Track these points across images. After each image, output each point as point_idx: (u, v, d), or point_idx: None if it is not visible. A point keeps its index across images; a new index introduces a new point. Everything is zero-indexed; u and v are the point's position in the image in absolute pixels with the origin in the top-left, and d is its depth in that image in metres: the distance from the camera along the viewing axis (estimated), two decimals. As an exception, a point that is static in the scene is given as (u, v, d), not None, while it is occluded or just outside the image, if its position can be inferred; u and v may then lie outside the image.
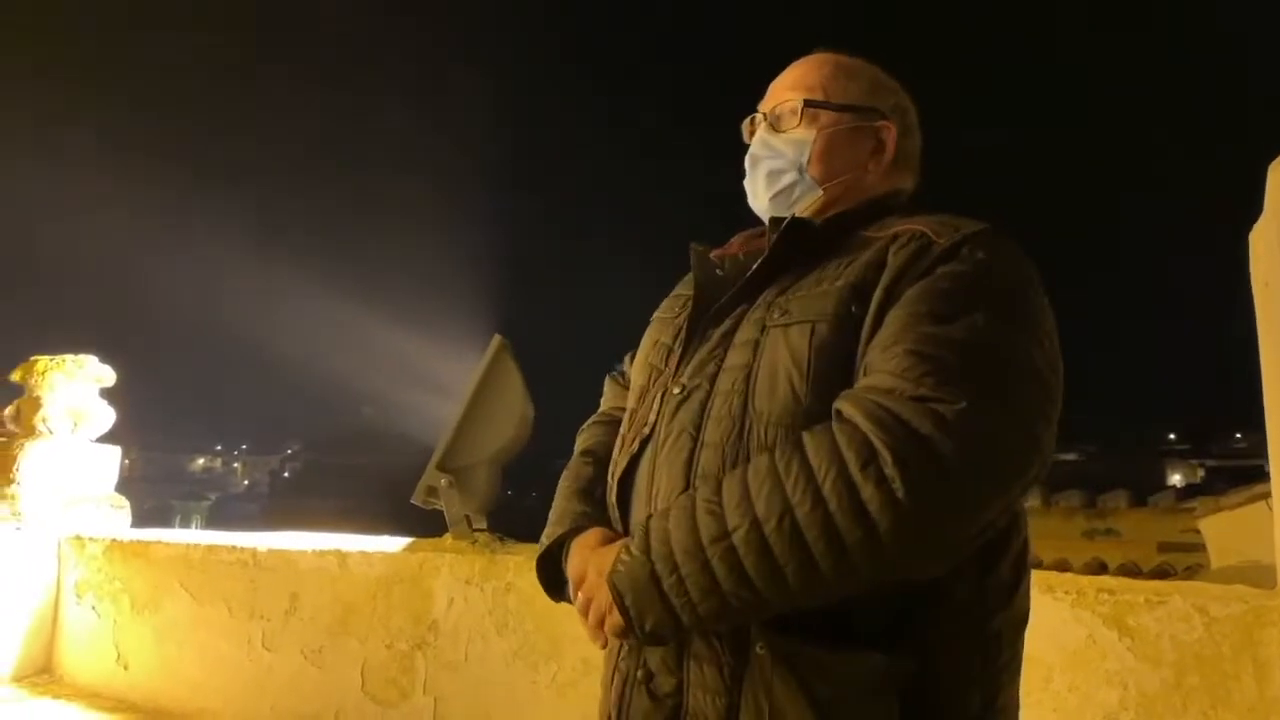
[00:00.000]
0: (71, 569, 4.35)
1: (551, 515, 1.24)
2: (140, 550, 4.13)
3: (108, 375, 4.72)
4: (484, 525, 3.12)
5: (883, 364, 0.95)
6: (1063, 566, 6.54)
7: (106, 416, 4.72)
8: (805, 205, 1.22)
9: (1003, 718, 1.04)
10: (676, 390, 1.12)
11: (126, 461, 4.83)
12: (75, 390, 4.59)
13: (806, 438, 0.94)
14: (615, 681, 1.13)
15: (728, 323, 1.13)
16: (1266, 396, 1.89)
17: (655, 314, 1.35)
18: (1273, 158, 1.78)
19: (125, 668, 4.02)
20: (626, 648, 1.11)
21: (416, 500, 3.05)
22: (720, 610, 0.93)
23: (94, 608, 4.21)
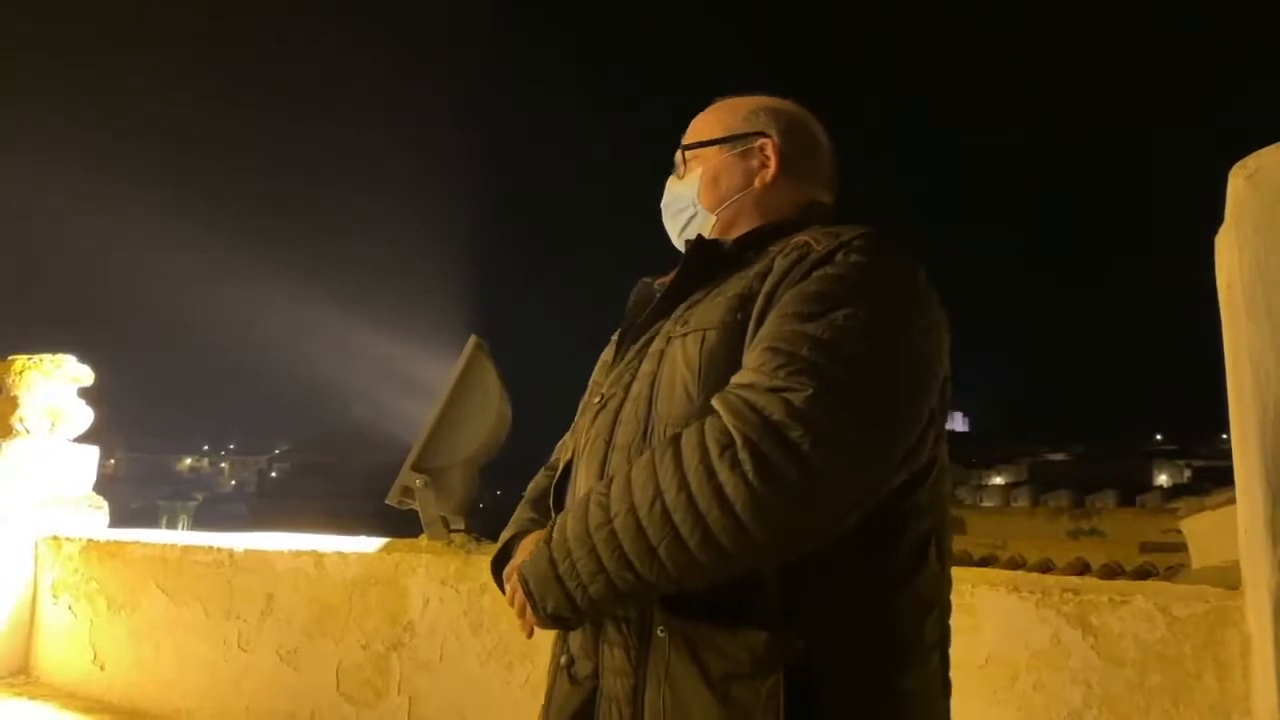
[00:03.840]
0: (48, 569, 4.34)
1: (509, 523, 1.35)
2: (116, 550, 4.11)
3: (85, 375, 4.70)
4: (461, 526, 3.11)
5: (749, 361, 1.04)
6: (1047, 567, 6.55)
7: (84, 416, 4.70)
8: (705, 232, 1.32)
9: (911, 702, 1.06)
10: (596, 400, 1.24)
11: (112, 461, 4.82)
12: (53, 390, 4.56)
13: (684, 433, 1.02)
14: (550, 671, 1.22)
15: (645, 337, 1.23)
16: (1230, 395, 1.90)
17: (612, 338, 1.45)
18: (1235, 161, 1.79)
19: (101, 668, 4.01)
20: (557, 638, 1.20)
21: (391, 501, 3.04)
22: (608, 591, 1.00)
23: (70, 608, 4.19)
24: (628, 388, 1.18)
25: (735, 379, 1.03)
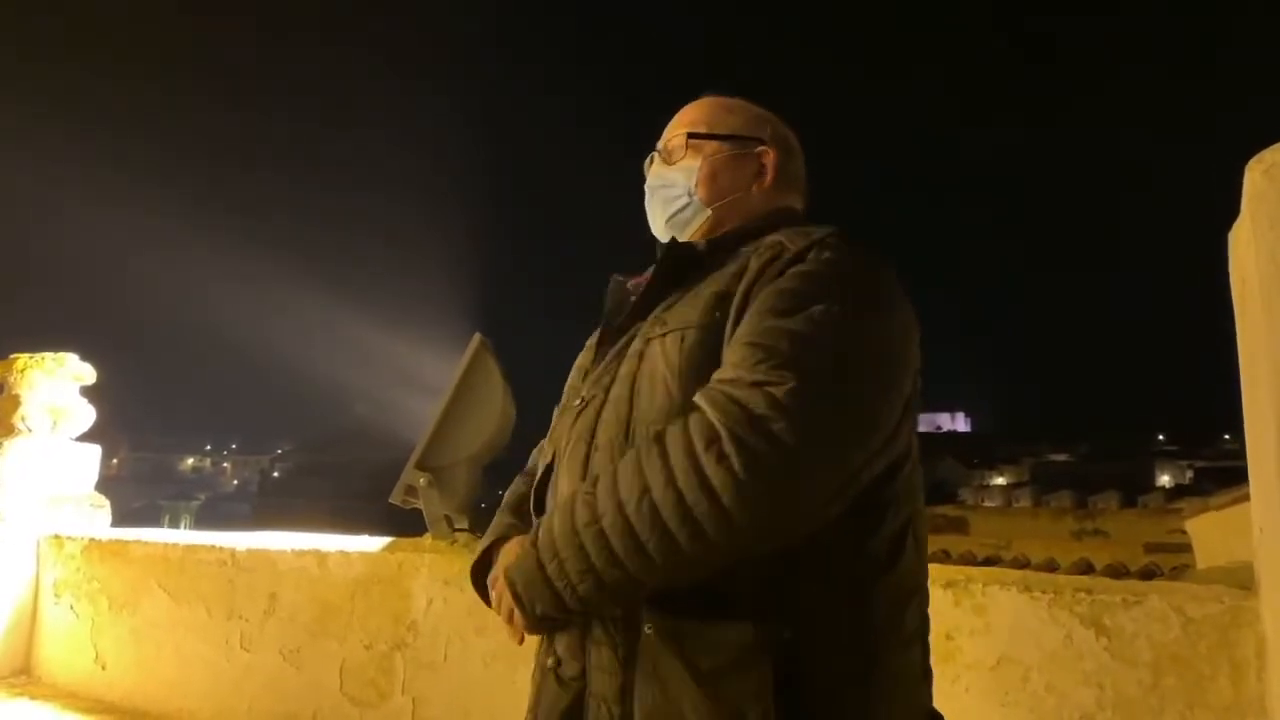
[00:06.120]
0: (50, 568, 4.32)
1: (488, 530, 1.36)
2: (118, 550, 4.09)
3: (87, 373, 4.68)
4: (465, 525, 3.09)
5: (729, 357, 1.07)
6: (1050, 567, 6.53)
7: (86, 415, 4.68)
8: (696, 225, 1.35)
9: (894, 688, 1.07)
10: (576, 402, 1.25)
11: (115, 461, 4.80)
12: (55, 388, 4.55)
13: (668, 429, 1.04)
14: (535, 675, 1.22)
15: (624, 340, 1.25)
16: (1244, 394, 1.87)
17: (587, 342, 1.45)
18: (1249, 156, 1.76)
19: (103, 668, 3.99)
20: (543, 641, 1.19)
21: (395, 500, 3.02)
22: (597, 590, 1.01)
23: (72, 607, 4.17)
24: (607, 389, 1.20)
25: (717, 375, 1.06)
